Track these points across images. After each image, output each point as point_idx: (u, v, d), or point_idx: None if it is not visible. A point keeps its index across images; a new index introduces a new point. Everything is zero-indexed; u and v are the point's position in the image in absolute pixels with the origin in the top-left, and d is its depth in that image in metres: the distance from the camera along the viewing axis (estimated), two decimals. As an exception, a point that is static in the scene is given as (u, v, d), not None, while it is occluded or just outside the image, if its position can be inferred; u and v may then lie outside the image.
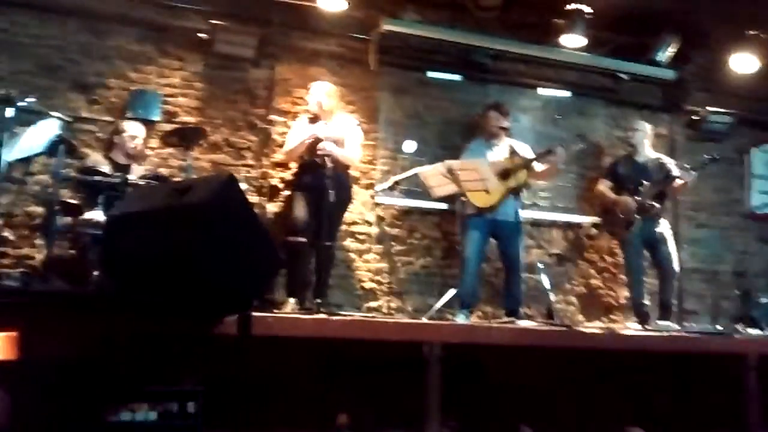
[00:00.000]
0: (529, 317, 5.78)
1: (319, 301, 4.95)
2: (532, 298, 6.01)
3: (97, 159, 4.79)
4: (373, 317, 5.31)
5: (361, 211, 5.86)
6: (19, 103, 4.23)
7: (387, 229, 5.91)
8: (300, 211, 5.17)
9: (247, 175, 5.58)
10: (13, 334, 3.79)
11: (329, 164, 4.97)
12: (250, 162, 5.68)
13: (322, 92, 5.40)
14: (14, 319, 3.62)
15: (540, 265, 5.95)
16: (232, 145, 5.67)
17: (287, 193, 5.57)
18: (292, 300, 4.98)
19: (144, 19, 5.59)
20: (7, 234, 4.63)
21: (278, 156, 5.66)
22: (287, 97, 5.88)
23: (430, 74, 6.28)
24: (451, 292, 5.37)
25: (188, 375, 4.47)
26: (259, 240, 3.47)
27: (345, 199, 5.34)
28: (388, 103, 6.15)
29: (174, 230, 3.30)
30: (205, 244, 3.23)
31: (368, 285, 5.82)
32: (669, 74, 6.74)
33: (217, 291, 3.42)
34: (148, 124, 5.29)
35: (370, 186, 5.92)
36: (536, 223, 6.37)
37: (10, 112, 4.14)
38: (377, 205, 5.91)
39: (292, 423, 4.74)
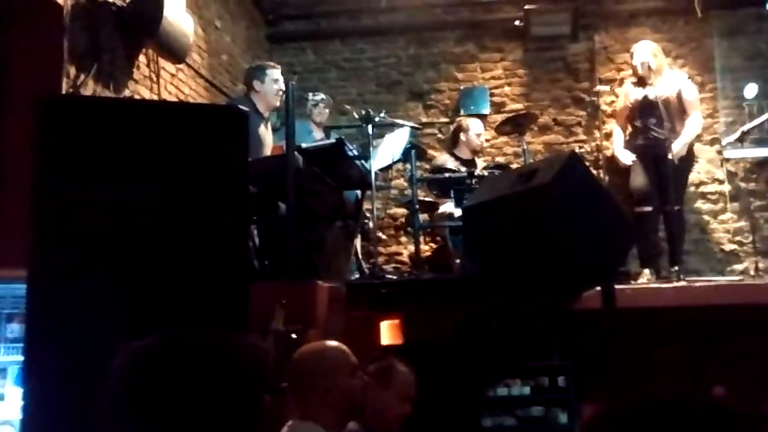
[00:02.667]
0: None
1: (676, 268, 4.76)
2: None
3: (443, 158, 5.21)
4: (740, 281, 4.92)
5: (708, 169, 5.49)
6: (376, 119, 4.80)
7: (741, 184, 5.43)
8: (640, 178, 5.02)
9: (581, 149, 5.59)
10: (398, 320, 4.33)
11: (666, 123, 4.75)
12: (582, 137, 5.68)
13: (647, 52, 5.15)
14: (397, 307, 4.13)
15: None
16: (561, 124, 5.73)
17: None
18: (646, 270, 4.85)
19: (461, 20, 5.94)
20: (380, 234, 5.28)
21: (609, 127, 5.56)
22: (610, 65, 5.76)
23: (770, 5, 5.61)
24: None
25: (555, 350, 4.65)
26: (611, 212, 3.49)
27: (686, 159, 5.05)
28: (722, 48, 5.65)
29: (527, 213, 3.47)
30: (560, 222, 3.34)
31: (728, 247, 5.41)
32: None
33: (576, 266, 3.49)
34: (481, 117, 5.60)
35: (714, 141, 5.50)
36: None
37: (370, 129, 4.72)
38: (726, 160, 5.47)
39: (663, 396, 4.62)
